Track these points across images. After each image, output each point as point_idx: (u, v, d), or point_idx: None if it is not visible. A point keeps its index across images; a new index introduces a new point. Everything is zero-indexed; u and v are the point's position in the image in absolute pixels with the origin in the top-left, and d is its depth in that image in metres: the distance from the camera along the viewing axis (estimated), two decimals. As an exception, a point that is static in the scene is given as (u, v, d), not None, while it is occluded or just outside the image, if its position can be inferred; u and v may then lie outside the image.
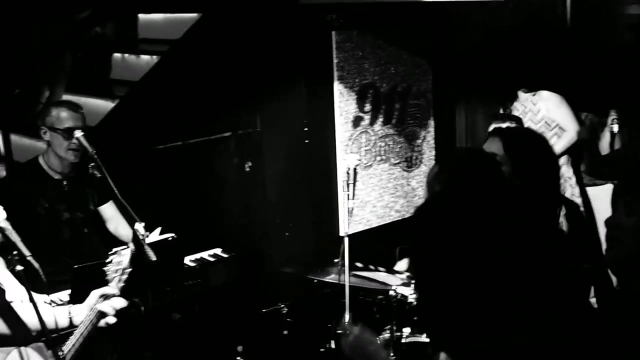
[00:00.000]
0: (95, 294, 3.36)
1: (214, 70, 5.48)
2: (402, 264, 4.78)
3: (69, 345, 3.23)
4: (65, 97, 6.19)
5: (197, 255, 4.77)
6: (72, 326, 3.29)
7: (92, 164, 4.31)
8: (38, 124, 4.55)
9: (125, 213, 3.95)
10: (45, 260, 4.37)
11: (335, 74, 5.88)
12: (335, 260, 4.78)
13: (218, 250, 4.88)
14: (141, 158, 5.24)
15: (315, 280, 5.01)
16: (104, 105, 5.51)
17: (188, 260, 4.63)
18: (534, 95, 5.69)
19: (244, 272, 4.87)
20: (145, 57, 6.24)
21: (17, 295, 3.54)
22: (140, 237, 3.77)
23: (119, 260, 3.54)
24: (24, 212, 4.38)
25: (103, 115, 5.43)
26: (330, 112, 5.94)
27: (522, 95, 5.73)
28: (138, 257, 3.74)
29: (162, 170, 5.32)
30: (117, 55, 6.52)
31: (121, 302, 3.37)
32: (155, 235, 4.25)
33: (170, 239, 4.25)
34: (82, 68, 6.42)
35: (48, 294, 3.25)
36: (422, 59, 6.45)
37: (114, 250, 3.51)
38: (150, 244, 3.79)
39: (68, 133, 4.42)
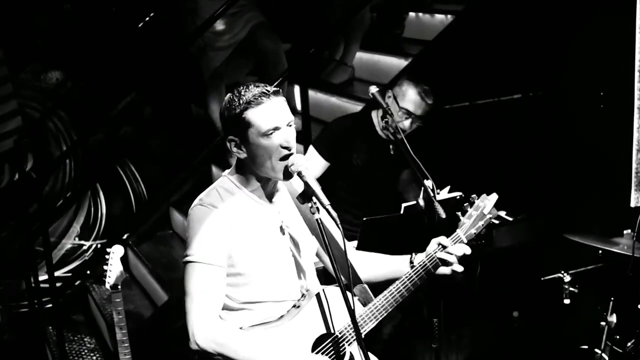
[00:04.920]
0: (434, 242, 3.39)
1: (506, 31, 5.39)
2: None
3: (391, 290, 3.29)
4: (359, 54, 6.43)
5: (482, 216, 4.75)
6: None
7: (386, 119, 4.44)
8: (385, 89, 4.62)
9: (416, 169, 4.02)
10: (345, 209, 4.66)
11: (638, 35, 5.52)
12: (626, 232, 4.58)
13: (502, 213, 4.83)
14: (430, 117, 5.31)
15: (600, 251, 4.83)
16: (397, 63, 5.63)
17: (472, 220, 4.62)
18: None
19: (528, 236, 4.80)
20: (439, 17, 6.28)
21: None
22: (430, 194, 3.84)
23: (479, 205, 3.54)
24: (344, 158, 4.65)
25: (395, 73, 5.56)
26: (630, 75, 5.62)
27: None
28: (428, 213, 3.84)
29: (449, 130, 5.36)
30: (411, 14, 6.62)
31: (463, 249, 3.37)
32: (444, 193, 4.32)
33: (457, 197, 4.30)
34: (376, 26, 6.61)
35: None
36: None
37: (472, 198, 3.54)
38: (439, 202, 3.84)
39: (407, 115, 4.54)
